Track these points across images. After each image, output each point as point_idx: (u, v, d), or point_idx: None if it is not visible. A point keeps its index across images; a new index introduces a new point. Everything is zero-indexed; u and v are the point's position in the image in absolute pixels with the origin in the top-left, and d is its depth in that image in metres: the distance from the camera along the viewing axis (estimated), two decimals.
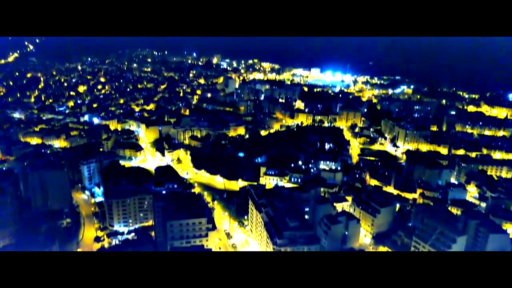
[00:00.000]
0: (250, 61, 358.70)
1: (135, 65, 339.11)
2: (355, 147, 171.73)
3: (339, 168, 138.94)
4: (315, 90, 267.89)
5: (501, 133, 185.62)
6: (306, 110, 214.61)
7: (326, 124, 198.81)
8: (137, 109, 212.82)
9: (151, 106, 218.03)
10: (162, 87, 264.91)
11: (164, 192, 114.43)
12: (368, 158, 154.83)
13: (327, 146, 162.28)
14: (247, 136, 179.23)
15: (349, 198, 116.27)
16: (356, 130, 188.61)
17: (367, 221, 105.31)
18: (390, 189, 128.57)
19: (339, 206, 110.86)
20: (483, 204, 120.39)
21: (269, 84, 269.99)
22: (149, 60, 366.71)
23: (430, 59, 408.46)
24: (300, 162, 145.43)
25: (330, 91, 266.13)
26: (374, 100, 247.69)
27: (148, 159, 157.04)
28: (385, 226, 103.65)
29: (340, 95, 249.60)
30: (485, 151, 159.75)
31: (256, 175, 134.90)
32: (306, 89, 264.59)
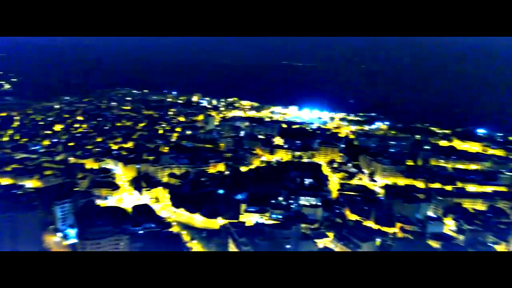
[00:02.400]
0: (230, 99, 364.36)
1: (114, 103, 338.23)
2: (334, 182, 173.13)
3: (319, 204, 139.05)
4: (293, 127, 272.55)
5: (473, 166, 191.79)
6: (286, 146, 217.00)
7: (305, 160, 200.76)
8: (115, 147, 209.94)
9: (130, 144, 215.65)
10: (141, 125, 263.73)
11: (141, 232, 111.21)
12: (347, 193, 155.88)
13: (307, 182, 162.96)
14: (227, 172, 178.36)
15: (331, 234, 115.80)
16: (335, 165, 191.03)
17: None
18: (370, 223, 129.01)
19: (320, 242, 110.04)
20: (461, 237, 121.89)
21: (248, 121, 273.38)
22: (129, 98, 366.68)
23: (404, 98, 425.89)
24: (280, 198, 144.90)
25: (308, 128, 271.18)
26: (351, 136, 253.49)
27: (126, 198, 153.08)
28: None
29: (318, 132, 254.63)
30: (459, 185, 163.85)
31: (236, 213, 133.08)
32: (285, 126, 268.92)
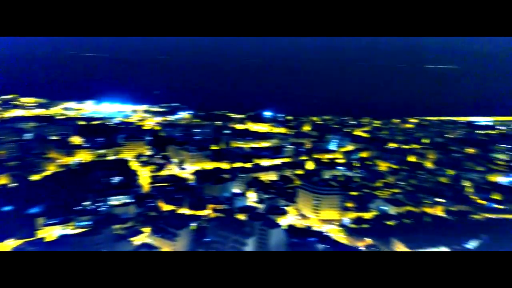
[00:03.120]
0: (6, 97, 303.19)
1: None
2: (144, 176, 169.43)
3: (131, 201, 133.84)
4: (92, 123, 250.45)
5: (264, 144, 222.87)
6: (86, 145, 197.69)
7: (110, 158, 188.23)
8: None
9: None
10: None
11: None
12: (159, 184, 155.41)
13: (115, 180, 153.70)
14: (13, 184, 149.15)
15: (147, 229, 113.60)
16: (143, 159, 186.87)
17: (168, 247, 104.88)
18: (184, 210, 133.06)
19: (137, 240, 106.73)
20: (261, 206, 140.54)
21: (35, 121, 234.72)
22: None
23: (205, 87, 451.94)
24: (86, 203, 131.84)
25: (109, 123, 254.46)
26: (157, 128, 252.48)
27: None
28: (186, 247, 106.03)
29: (121, 126, 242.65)
30: (256, 161, 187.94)
31: (31, 229, 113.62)
32: (82, 123, 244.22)
